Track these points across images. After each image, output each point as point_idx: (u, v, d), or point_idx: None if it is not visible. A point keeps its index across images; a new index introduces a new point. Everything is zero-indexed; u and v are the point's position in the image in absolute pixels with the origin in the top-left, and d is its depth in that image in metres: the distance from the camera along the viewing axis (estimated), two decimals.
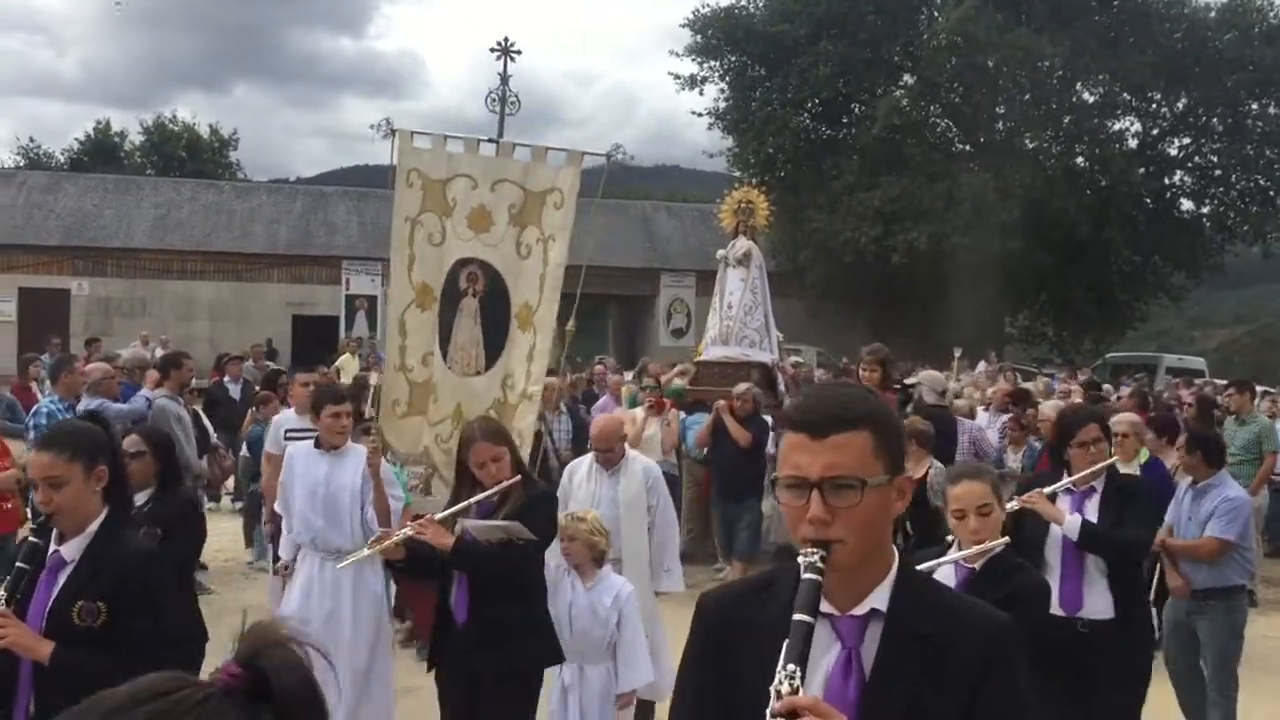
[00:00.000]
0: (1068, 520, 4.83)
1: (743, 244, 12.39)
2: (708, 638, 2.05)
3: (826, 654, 1.92)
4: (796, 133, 33.70)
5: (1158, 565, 7.04)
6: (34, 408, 9.53)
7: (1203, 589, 6.09)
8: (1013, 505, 4.70)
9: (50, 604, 3.20)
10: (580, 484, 6.35)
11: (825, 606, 1.90)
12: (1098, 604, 4.81)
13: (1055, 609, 4.76)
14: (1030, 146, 33.76)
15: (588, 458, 6.48)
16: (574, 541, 4.98)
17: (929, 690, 1.88)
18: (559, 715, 5.02)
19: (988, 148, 33.42)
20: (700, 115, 35.52)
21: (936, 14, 33.53)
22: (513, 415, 5.75)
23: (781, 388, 12.02)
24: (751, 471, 10.13)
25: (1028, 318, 36.64)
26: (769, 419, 10.24)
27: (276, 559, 6.71)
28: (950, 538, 4.20)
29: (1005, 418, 11.16)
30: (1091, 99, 34.45)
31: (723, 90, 35.06)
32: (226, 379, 13.91)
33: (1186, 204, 35.67)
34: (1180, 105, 34.25)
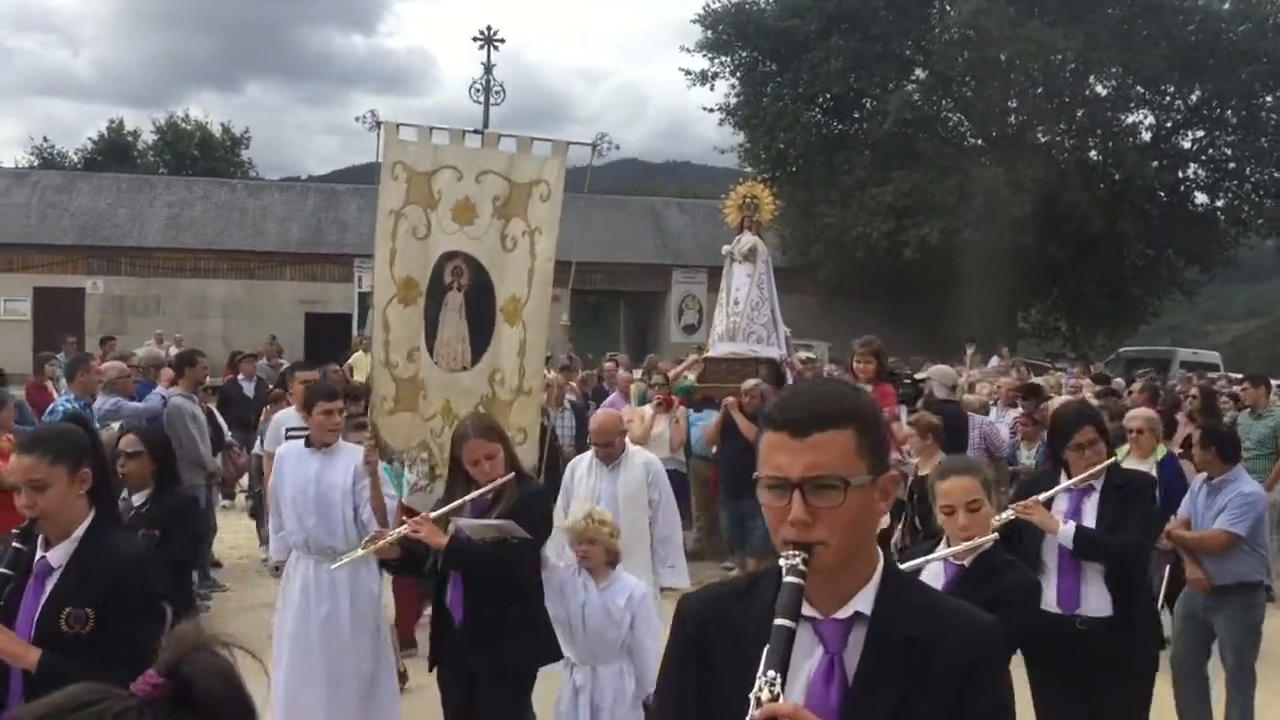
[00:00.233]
0: (1061, 530, 4.73)
1: (748, 239, 12.32)
2: (688, 641, 2.01)
3: (809, 658, 1.88)
4: (808, 128, 33.66)
5: (1167, 566, 7.00)
6: (50, 406, 9.57)
7: (1221, 585, 6.04)
8: (1007, 515, 4.62)
9: (39, 611, 3.15)
10: (581, 480, 6.36)
11: (808, 610, 1.87)
12: (1095, 602, 4.73)
13: (1053, 607, 4.74)
14: (1043, 140, 33.58)
15: (589, 453, 6.49)
16: (594, 545, 4.90)
17: (913, 695, 1.84)
18: (569, 716, 4.95)
19: (1000, 142, 33.29)
20: (711, 111, 35.48)
21: (948, 8, 33.36)
22: (507, 411, 5.68)
23: (790, 383, 11.98)
24: None
25: (1040, 312, 36.51)
26: None
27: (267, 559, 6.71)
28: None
29: (1012, 412, 11.11)
30: (1104, 92, 34.28)
31: (734, 86, 34.98)
32: (240, 377, 13.97)
33: (1200, 197, 35.50)
34: (1194, 98, 34.03)
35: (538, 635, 4.76)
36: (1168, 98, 34.29)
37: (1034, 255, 30.56)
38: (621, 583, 4.99)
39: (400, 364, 5.82)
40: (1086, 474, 4.80)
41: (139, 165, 46.02)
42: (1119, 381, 15.89)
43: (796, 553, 1.82)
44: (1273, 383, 13.83)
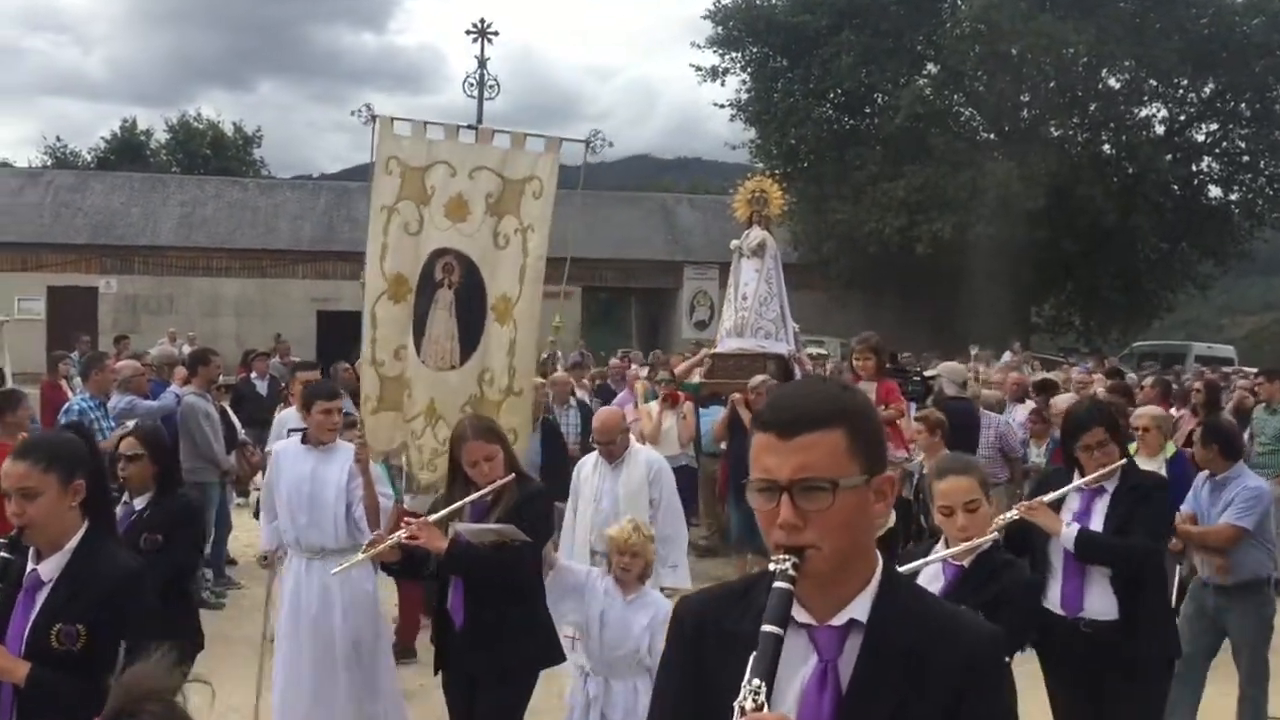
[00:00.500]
0: (1064, 531, 4.67)
1: (757, 234, 12.22)
2: (684, 644, 1.97)
3: (802, 666, 1.83)
4: (819, 123, 33.58)
5: (1178, 568, 6.94)
6: (65, 405, 9.58)
7: (1231, 583, 6.00)
8: (1012, 514, 4.57)
9: (29, 627, 3.05)
10: (586, 478, 6.33)
11: (802, 616, 1.83)
12: (1099, 604, 4.66)
13: (1057, 609, 4.70)
14: (1055, 134, 33.43)
15: (596, 453, 6.46)
16: (637, 558, 4.76)
17: (909, 705, 1.78)
18: None
19: (1012, 136, 33.12)
20: (722, 107, 35.46)
21: (960, 2, 33.24)
22: (495, 412, 5.62)
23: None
24: None
25: (1054, 307, 36.35)
26: None
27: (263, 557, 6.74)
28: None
29: (1020, 408, 11.02)
30: (1117, 85, 34.06)
31: (744, 82, 34.92)
32: (253, 375, 14.06)
33: (1214, 190, 35.26)
34: (1207, 91, 33.79)
35: (537, 637, 4.72)
36: (1181, 91, 34.05)
37: (1047, 249, 30.44)
38: (647, 600, 4.84)
39: (387, 362, 5.79)
40: (1097, 474, 4.73)
41: (151, 164, 46.14)
42: (1132, 377, 15.73)
43: (787, 557, 1.78)
44: None
